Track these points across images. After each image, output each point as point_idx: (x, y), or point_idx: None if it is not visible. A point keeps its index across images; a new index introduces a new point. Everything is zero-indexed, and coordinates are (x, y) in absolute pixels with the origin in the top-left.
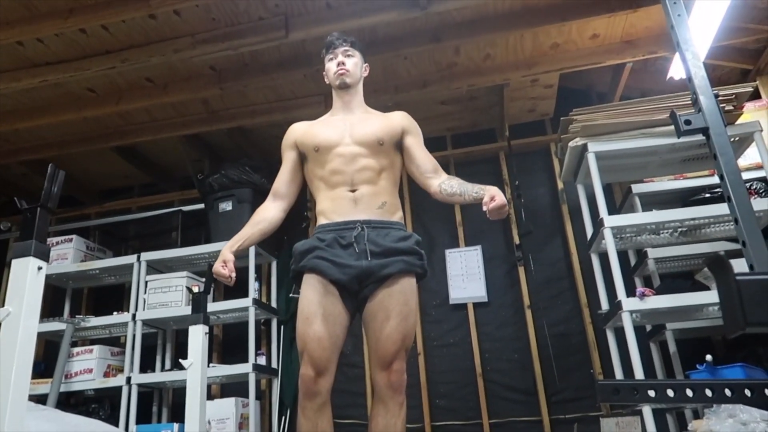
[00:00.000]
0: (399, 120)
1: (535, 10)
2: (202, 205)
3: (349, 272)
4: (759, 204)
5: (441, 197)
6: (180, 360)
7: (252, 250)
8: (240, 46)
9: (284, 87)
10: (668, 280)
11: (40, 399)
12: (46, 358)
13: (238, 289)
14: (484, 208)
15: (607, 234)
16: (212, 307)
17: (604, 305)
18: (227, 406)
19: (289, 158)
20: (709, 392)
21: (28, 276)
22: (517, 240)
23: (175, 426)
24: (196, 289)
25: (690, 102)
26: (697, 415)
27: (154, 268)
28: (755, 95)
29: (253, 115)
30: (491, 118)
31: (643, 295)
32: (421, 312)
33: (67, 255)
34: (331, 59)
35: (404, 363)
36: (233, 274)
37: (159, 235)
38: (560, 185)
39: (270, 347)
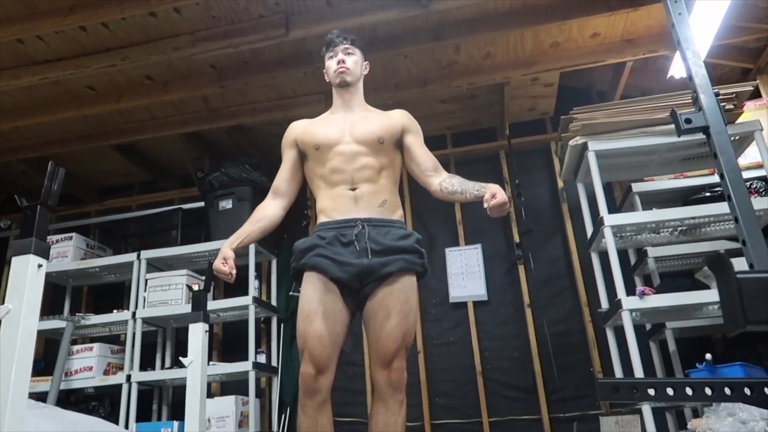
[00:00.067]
0: (399, 118)
1: (536, 9)
2: (202, 203)
3: (349, 270)
4: (759, 203)
5: (442, 195)
6: (180, 358)
7: (252, 249)
8: (240, 44)
9: (284, 85)
10: (668, 279)
11: (40, 397)
12: (46, 356)
13: (238, 287)
14: (485, 205)
15: (607, 233)
16: (212, 305)
17: (604, 304)
18: (227, 404)
19: (289, 156)
20: (708, 391)
21: (28, 273)
22: (517, 238)
23: (175, 424)
24: (196, 287)
25: (690, 101)
26: (696, 414)
27: (154, 266)
28: (755, 94)
29: (253, 113)
30: (491, 116)
31: (642, 294)
32: (421, 310)
33: (67, 253)
34: (332, 57)
35: (404, 361)
36: (234, 271)
37: (159, 233)
38: (560, 184)
39: (270, 345)
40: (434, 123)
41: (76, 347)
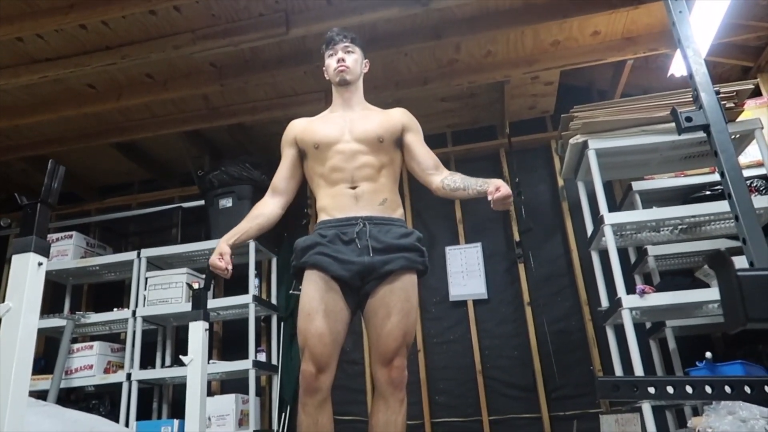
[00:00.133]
0: (399, 117)
1: (536, 7)
2: (202, 202)
3: (351, 268)
4: (759, 201)
5: (444, 193)
6: (180, 356)
7: (252, 247)
8: (240, 42)
9: (284, 84)
10: (668, 277)
11: (40, 395)
12: (47, 354)
13: (238, 285)
14: (489, 198)
15: (608, 231)
16: (212, 303)
17: (604, 302)
18: (227, 402)
19: (288, 155)
20: (708, 389)
21: (29, 272)
22: (517, 237)
23: (175, 422)
24: (196, 286)
25: (691, 99)
26: (696, 412)
27: (154, 264)
28: (756, 92)
29: (253, 111)
30: (492, 115)
31: (643, 293)
32: (421, 309)
33: (67, 251)
34: (331, 55)
35: (405, 359)
36: (230, 267)
37: (159, 232)
38: (560, 182)
39: (270, 344)
40: (434, 121)
41: (76, 346)
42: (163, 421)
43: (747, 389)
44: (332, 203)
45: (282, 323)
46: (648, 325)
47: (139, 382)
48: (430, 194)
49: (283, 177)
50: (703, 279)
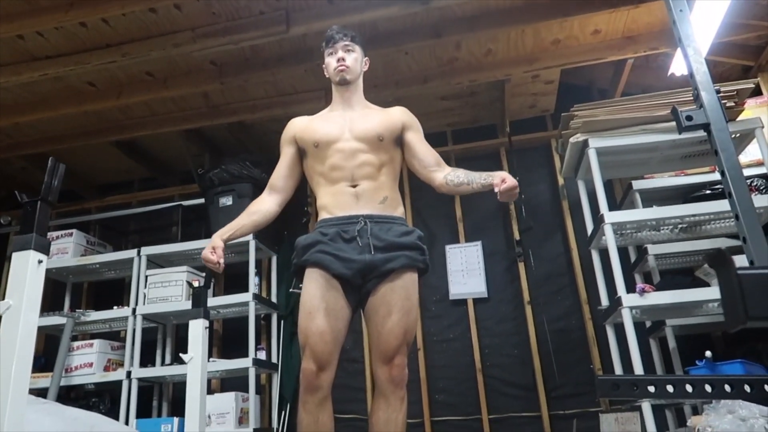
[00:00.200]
0: (399, 115)
1: (537, 6)
2: (202, 200)
3: (352, 266)
4: (759, 200)
5: (447, 189)
6: (180, 354)
7: (252, 245)
8: (241, 40)
9: (285, 82)
10: (668, 276)
11: (40, 393)
12: (47, 352)
13: (239, 283)
14: (496, 190)
15: (608, 230)
16: (212, 301)
17: (604, 301)
18: (227, 400)
19: (287, 153)
20: (708, 388)
21: (29, 269)
22: (517, 236)
23: (175, 420)
24: (196, 284)
25: (691, 98)
26: (696, 411)
27: (155, 262)
28: (756, 92)
29: (253, 109)
30: (492, 113)
31: (643, 292)
32: (421, 307)
33: (68, 249)
34: (331, 54)
35: (405, 358)
36: (222, 260)
37: (159, 230)
38: (561, 181)
39: (270, 342)
40: (435, 120)
41: (76, 343)
42: (163, 419)
43: (747, 388)
44: (333, 201)
45: (282, 321)
46: (648, 324)
47: (139, 380)
48: (431, 192)
49: (281, 175)
50: (703, 278)
